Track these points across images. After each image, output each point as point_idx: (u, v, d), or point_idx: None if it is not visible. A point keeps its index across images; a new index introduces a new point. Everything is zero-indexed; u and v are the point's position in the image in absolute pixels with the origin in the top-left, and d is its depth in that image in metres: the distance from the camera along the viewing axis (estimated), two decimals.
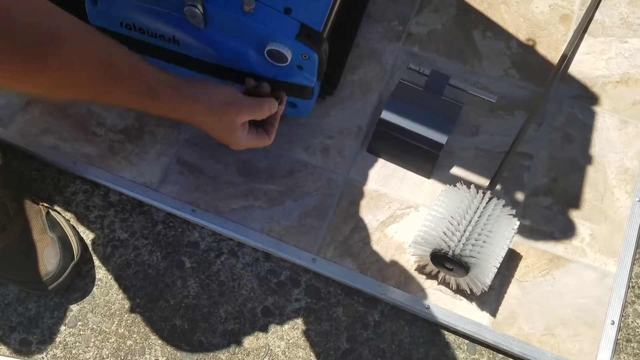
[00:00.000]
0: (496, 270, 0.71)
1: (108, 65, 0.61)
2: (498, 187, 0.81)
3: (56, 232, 0.77)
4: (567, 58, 0.90)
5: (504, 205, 0.74)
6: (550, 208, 0.81)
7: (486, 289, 0.73)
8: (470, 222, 0.71)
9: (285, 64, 0.71)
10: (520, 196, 0.82)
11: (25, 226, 0.75)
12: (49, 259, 0.75)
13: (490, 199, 0.74)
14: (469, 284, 0.73)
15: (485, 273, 0.71)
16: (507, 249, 0.72)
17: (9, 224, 0.74)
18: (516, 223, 0.74)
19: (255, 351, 0.75)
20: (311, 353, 0.75)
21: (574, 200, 0.82)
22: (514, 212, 0.74)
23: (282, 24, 0.68)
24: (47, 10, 0.54)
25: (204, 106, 0.68)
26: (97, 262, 0.79)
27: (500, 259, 0.71)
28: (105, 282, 0.78)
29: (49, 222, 0.77)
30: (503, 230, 0.72)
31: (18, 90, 0.58)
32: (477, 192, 0.75)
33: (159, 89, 0.65)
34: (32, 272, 0.74)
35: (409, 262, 0.78)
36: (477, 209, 0.73)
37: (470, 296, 0.76)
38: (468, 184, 0.78)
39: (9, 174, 0.80)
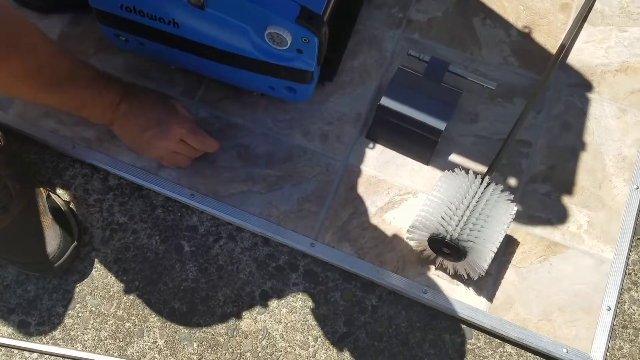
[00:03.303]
0: (493, 255, 0.72)
1: (54, 71, 0.67)
2: (496, 173, 0.81)
3: (56, 214, 0.77)
4: (566, 46, 0.90)
5: (502, 191, 0.75)
6: (548, 195, 0.82)
7: (483, 274, 0.74)
8: (468, 207, 0.72)
9: (285, 48, 0.71)
10: (518, 183, 0.82)
11: (26, 207, 0.75)
12: (49, 241, 0.75)
13: (488, 184, 0.74)
14: (467, 268, 0.74)
15: (483, 258, 0.71)
16: (504, 234, 0.73)
17: (10, 204, 0.74)
18: (514, 208, 0.74)
19: (253, 334, 0.75)
20: (309, 336, 0.75)
21: (572, 188, 0.82)
22: (511, 197, 0.75)
23: (282, 6, 0.68)
24: (12, 15, 0.60)
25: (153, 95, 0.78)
26: (96, 245, 0.79)
27: (498, 244, 0.72)
28: (104, 265, 0.78)
29: (49, 204, 0.77)
30: (501, 216, 0.73)
31: None
32: (476, 178, 0.75)
33: (104, 84, 0.73)
34: (32, 254, 0.75)
35: (407, 248, 0.78)
36: (475, 194, 0.73)
37: (467, 281, 0.76)
38: (466, 169, 0.78)
39: (11, 155, 0.80)
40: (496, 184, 0.75)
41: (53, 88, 0.67)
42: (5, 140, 0.79)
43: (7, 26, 0.59)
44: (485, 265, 0.72)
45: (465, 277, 0.76)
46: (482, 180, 0.75)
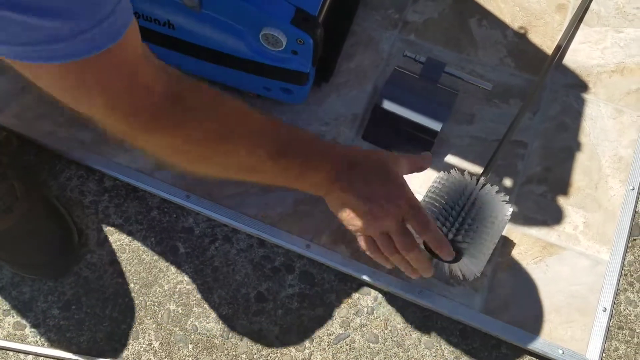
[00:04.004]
0: (489, 256, 0.72)
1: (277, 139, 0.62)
2: (492, 174, 0.81)
3: (55, 216, 0.77)
4: (562, 47, 0.90)
5: (497, 192, 0.75)
6: (544, 196, 0.82)
7: (479, 275, 0.74)
8: (463, 208, 0.72)
9: (280, 49, 0.71)
10: (514, 184, 0.82)
11: (28, 209, 0.75)
12: (48, 243, 0.75)
13: (484, 185, 0.74)
14: (462, 269, 0.74)
15: (478, 259, 0.71)
16: (500, 235, 0.73)
17: (14, 205, 0.74)
18: (509, 209, 0.74)
19: (248, 336, 0.75)
20: (304, 338, 0.75)
21: (568, 188, 0.82)
22: (507, 198, 0.74)
23: (277, 7, 0.68)
24: (174, 72, 0.54)
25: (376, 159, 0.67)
26: (91, 247, 0.79)
27: (493, 245, 0.72)
28: (100, 266, 0.78)
29: (48, 206, 0.77)
30: (496, 217, 0.72)
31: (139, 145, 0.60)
32: (471, 179, 0.75)
33: (323, 149, 0.65)
34: (31, 255, 0.75)
35: None
36: (471, 195, 0.73)
37: (463, 282, 0.76)
38: (462, 170, 0.78)
39: (17, 157, 0.80)
40: (492, 185, 0.75)
41: (274, 157, 0.61)
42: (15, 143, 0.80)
43: (233, 113, 0.58)
44: (481, 266, 0.72)
45: (461, 278, 0.75)
46: (478, 181, 0.74)
